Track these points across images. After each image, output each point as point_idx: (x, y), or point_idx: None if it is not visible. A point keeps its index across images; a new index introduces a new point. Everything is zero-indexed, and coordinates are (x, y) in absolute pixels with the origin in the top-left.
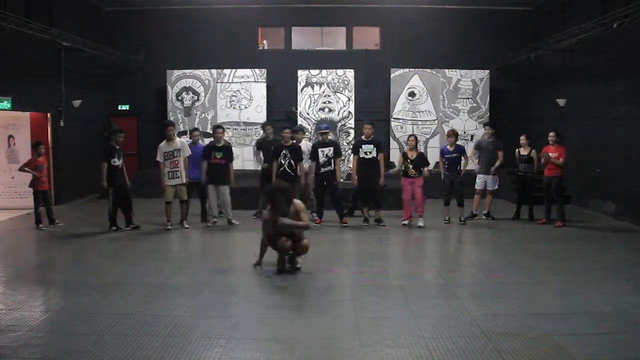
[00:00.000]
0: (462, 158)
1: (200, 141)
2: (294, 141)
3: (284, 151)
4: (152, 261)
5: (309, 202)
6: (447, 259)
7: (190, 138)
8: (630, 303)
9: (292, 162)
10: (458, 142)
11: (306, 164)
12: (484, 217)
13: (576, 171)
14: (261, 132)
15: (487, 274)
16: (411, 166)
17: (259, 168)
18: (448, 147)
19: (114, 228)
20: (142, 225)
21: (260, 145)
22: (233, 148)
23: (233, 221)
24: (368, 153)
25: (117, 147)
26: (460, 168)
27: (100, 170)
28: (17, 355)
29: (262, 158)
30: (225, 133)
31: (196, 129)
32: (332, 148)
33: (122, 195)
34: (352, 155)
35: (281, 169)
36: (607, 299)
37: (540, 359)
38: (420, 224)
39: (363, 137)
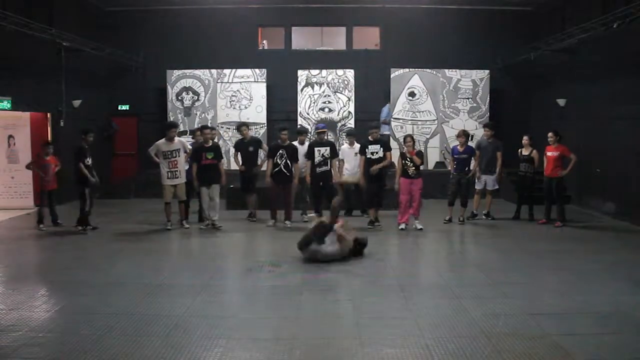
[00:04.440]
0: (472, 159)
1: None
2: (296, 142)
3: (280, 151)
4: (152, 261)
5: (304, 204)
6: (447, 259)
7: (193, 138)
8: (630, 303)
9: (289, 162)
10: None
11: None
12: (484, 217)
13: (576, 171)
14: (260, 131)
15: (487, 274)
16: (410, 164)
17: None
18: (458, 147)
19: (90, 227)
20: (141, 226)
21: (238, 146)
22: (233, 148)
23: (217, 224)
24: (374, 153)
25: (87, 147)
26: (468, 169)
27: (78, 169)
28: (17, 355)
29: (240, 160)
30: (213, 133)
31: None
32: (328, 148)
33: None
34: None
35: (276, 168)
36: (607, 299)
37: (540, 359)
38: (419, 226)
39: (370, 137)
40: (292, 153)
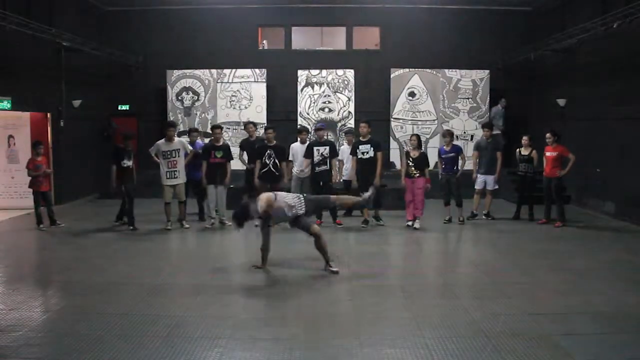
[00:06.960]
0: (460, 158)
1: (198, 140)
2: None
3: (268, 151)
4: (152, 261)
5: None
6: (447, 259)
7: (189, 137)
8: (630, 303)
9: (277, 161)
10: (456, 142)
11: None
12: (483, 217)
13: (576, 171)
14: (261, 132)
15: (487, 274)
16: (412, 165)
17: (244, 168)
18: (445, 147)
19: (122, 222)
20: (141, 226)
21: (243, 145)
22: (233, 148)
23: (225, 221)
24: (365, 153)
25: (129, 150)
26: (456, 168)
27: (110, 171)
28: (17, 355)
29: (246, 159)
30: (223, 132)
31: (195, 130)
32: (327, 147)
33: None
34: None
35: (265, 169)
36: (607, 299)
37: (540, 359)
38: (417, 225)
39: (360, 137)
40: (280, 153)
